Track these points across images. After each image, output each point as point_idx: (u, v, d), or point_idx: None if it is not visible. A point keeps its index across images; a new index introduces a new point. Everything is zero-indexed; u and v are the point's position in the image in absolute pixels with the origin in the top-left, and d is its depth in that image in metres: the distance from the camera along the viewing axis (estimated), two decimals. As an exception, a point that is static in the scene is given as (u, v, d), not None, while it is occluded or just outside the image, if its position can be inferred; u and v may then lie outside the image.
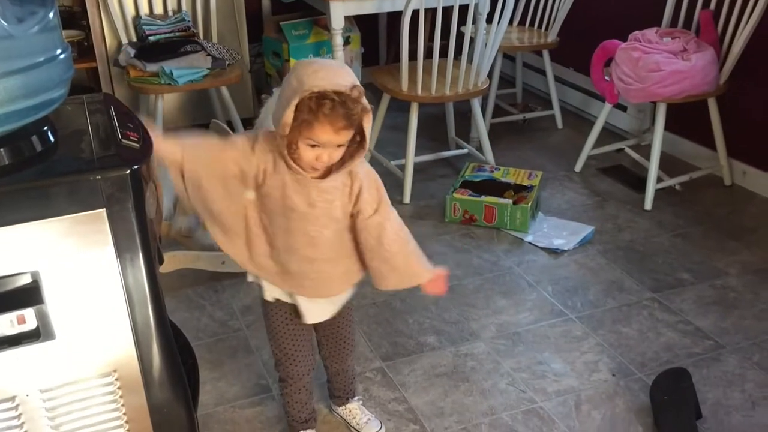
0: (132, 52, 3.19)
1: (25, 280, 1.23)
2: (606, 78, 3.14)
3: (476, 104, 3.26)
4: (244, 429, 1.98)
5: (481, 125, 3.32)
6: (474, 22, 3.08)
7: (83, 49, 3.38)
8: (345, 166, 1.52)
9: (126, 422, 1.37)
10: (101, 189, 1.21)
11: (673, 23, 3.16)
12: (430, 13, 3.00)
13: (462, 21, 3.00)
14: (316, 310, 1.70)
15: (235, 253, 1.62)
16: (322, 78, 1.41)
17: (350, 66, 3.85)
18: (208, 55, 3.21)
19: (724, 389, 2.07)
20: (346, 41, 3.78)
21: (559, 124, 3.90)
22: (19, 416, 1.29)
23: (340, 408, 1.97)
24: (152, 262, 1.31)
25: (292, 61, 3.68)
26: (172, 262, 2.59)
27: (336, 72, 1.45)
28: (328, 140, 1.44)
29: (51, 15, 1.26)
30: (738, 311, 2.40)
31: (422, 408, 2.03)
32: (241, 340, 2.31)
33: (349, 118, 1.42)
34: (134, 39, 3.33)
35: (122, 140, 1.32)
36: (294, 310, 1.71)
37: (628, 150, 3.36)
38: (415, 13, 2.87)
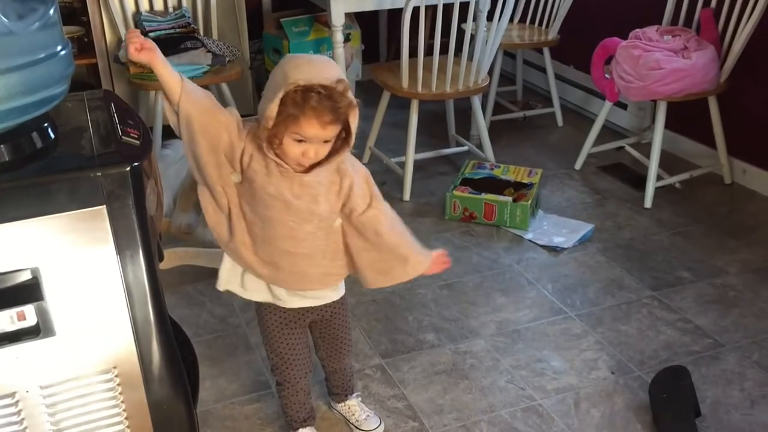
0: (132, 48, 3.18)
1: (26, 276, 1.23)
2: (606, 76, 3.13)
3: (476, 102, 3.26)
4: (244, 425, 1.98)
5: (481, 123, 3.32)
6: (474, 19, 3.08)
7: (83, 45, 3.38)
8: (329, 162, 1.50)
9: (126, 419, 1.38)
10: (101, 186, 1.22)
11: (674, 21, 3.16)
12: (431, 10, 3.00)
13: (463, 18, 3.00)
14: (295, 298, 1.69)
15: (219, 231, 1.59)
16: (307, 72, 1.40)
17: (350, 63, 3.87)
18: (209, 51, 3.21)
19: (724, 388, 2.07)
20: (347, 38, 3.78)
21: (560, 122, 3.90)
22: (19, 412, 1.30)
23: (339, 405, 1.97)
24: (152, 259, 1.32)
25: (293, 57, 3.67)
26: (172, 258, 2.59)
27: (322, 66, 1.43)
28: (314, 135, 1.42)
29: (51, 12, 1.26)
30: (738, 310, 2.40)
31: (421, 405, 2.03)
32: (241, 337, 2.31)
33: (336, 111, 1.41)
34: (134, 35, 3.32)
35: (123, 137, 1.32)
36: (288, 314, 1.72)
37: (628, 148, 3.36)
38: (416, 10, 2.87)
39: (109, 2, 3.25)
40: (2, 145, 1.23)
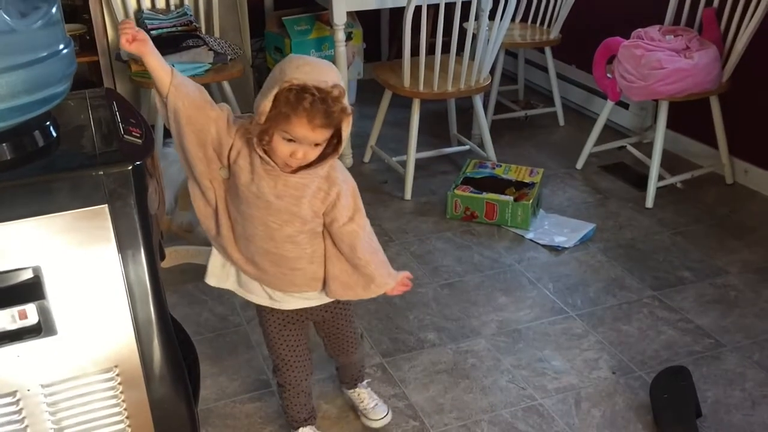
0: (134, 46, 3.18)
1: (27, 275, 1.23)
2: (608, 75, 3.13)
3: (478, 101, 3.26)
4: (244, 424, 1.98)
5: (482, 122, 3.32)
6: (476, 18, 3.08)
7: (85, 43, 3.38)
8: (316, 167, 1.49)
9: (127, 417, 1.38)
10: (103, 185, 1.21)
11: (676, 21, 3.16)
12: (433, 9, 2.99)
13: (464, 17, 3.00)
14: (291, 299, 1.68)
15: (208, 225, 1.60)
16: (305, 72, 1.40)
17: (352, 61, 3.87)
18: (210, 49, 3.21)
19: (724, 388, 2.07)
20: (348, 37, 3.78)
21: (561, 122, 3.90)
22: (20, 411, 1.30)
23: (349, 391, 1.99)
24: (154, 258, 1.31)
25: (294, 56, 3.67)
26: (174, 257, 2.59)
27: (320, 69, 1.43)
28: (304, 136, 1.41)
29: (54, 10, 1.26)
30: (738, 310, 2.40)
31: (422, 404, 2.03)
32: (242, 335, 2.31)
33: (328, 116, 1.40)
34: (136, 33, 3.32)
35: (125, 136, 1.32)
36: (287, 316, 1.72)
37: (629, 148, 3.36)
38: (418, 9, 2.86)
39: (111, 0, 3.24)
40: (4, 144, 1.22)
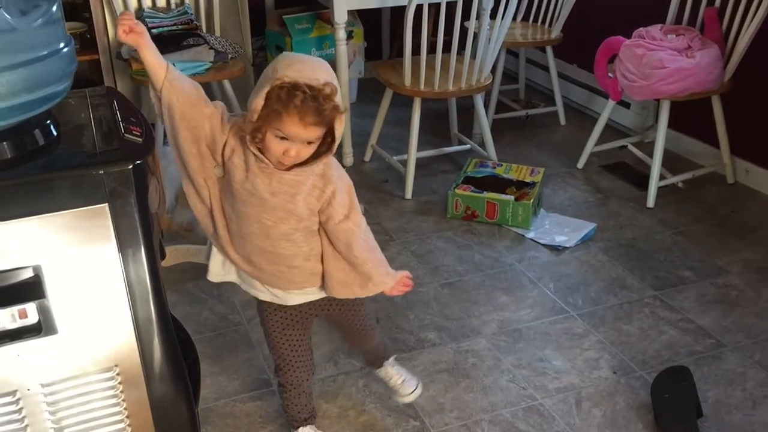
0: (134, 44, 3.18)
1: (27, 274, 1.23)
2: (609, 75, 3.13)
3: (479, 100, 3.25)
4: (244, 423, 1.98)
5: (483, 121, 3.31)
6: (478, 17, 3.08)
7: (85, 41, 3.38)
8: (310, 165, 1.49)
9: (127, 417, 1.38)
10: (104, 183, 1.21)
11: (678, 20, 3.15)
12: (434, 7, 2.99)
13: (466, 16, 2.99)
14: (293, 294, 1.68)
15: (206, 224, 1.60)
16: (297, 70, 1.40)
17: (353, 60, 3.86)
18: (211, 48, 3.21)
19: (725, 388, 2.07)
20: (349, 35, 3.77)
21: (562, 121, 3.89)
22: (20, 410, 1.30)
23: (377, 371, 1.99)
24: (154, 257, 1.31)
25: (295, 55, 3.67)
26: (174, 256, 2.59)
27: (312, 67, 1.43)
28: (296, 134, 1.41)
29: (54, 8, 1.26)
30: (740, 309, 2.40)
31: (422, 404, 2.03)
32: (242, 334, 2.31)
33: (320, 113, 1.39)
34: (137, 31, 3.32)
35: (125, 135, 1.32)
36: (290, 314, 1.71)
37: (631, 147, 3.35)
38: (419, 8, 2.86)
39: (112, -1, 3.25)
40: (4, 143, 1.22)
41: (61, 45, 1.27)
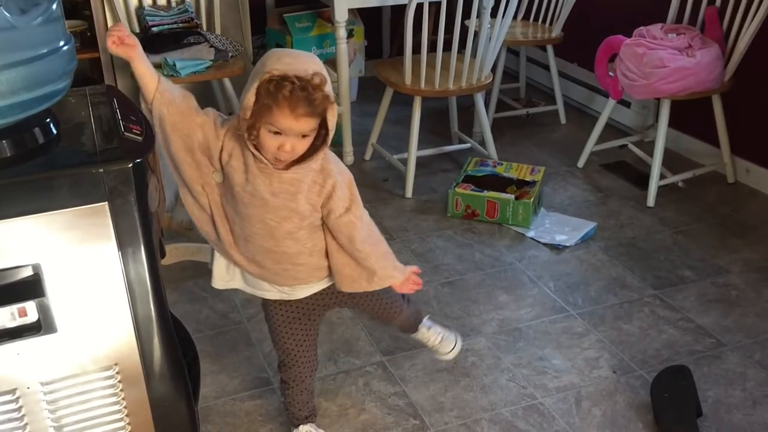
0: (135, 42, 3.18)
1: (27, 272, 1.23)
2: (610, 74, 3.12)
3: (479, 99, 3.25)
4: (244, 422, 1.98)
5: (484, 120, 3.31)
6: (478, 16, 3.07)
7: (86, 40, 3.37)
8: (308, 160, 1.49)
9: (127, 415, 1.38)
10: (104, 182, 1.21)
11: (679, 19, 3.15)
12: (434, 6, 2.99)
13: (466, 15, 2.99)
14: (299, 290, 1.68)
15: (207, 231, 1.60)
16: (285, 63, 1.40)
17: (353, 59, 3.86)
18: (211, 46, 3.21)
19: (725, 387, 2.07)
20: (350, 34, 3.77)
21: (563, 120, 3.89)
22: (19, 409, 1.30)
23: (413, 336, 1.99)
24: (154, 256, 1.31)
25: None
26: (174, 254, 2.59)
27: (300, 59, 1.43)
28: (288, 126, 1.40)
29: (54, 6, 1.25)
30: (740, 309, 2.40)
31: (422, 403, 2.03)
32: (242, 332, 2.31)
33: (310, 104, 1.39)
34: (137, 30, 3.32)
35: (125, 133, 1.32)
36: (296, 308, 1.71)
37: (631, 146, 3.35)
38: (419, 7, 2.86)
39: (112, -3, 3.24)
40: (4, 141, 1.22)
41: (61, 43, 1.27)
